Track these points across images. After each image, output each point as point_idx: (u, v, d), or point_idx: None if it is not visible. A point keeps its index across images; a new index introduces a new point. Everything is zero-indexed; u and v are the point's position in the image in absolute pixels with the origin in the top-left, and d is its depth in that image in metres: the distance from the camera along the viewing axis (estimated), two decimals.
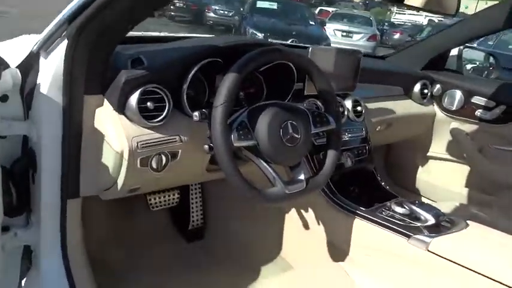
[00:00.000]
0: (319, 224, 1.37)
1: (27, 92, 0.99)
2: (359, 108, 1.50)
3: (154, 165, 1.00)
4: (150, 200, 1.59)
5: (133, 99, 0.94)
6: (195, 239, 1.71)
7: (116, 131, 0.95)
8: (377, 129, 1.69)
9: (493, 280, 0.92)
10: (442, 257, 1.01)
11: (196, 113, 0.95)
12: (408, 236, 1.08)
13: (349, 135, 1.45)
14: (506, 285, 0.90)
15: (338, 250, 1.28)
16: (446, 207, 1.33)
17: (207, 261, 1.60)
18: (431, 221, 1.13)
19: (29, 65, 0.98)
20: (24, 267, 1.14)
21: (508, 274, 0.91)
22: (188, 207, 1.70)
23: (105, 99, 0.98)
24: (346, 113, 1.46)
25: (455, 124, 1.95)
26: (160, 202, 1.61)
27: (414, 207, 1.18)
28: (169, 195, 1.63)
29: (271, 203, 1.07)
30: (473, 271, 0.95)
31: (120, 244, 1.56)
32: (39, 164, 1.00)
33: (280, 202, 1.01)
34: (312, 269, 1.12)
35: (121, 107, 0.96)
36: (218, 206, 1.76)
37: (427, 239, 1.05)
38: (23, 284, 1.14)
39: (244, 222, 1.66)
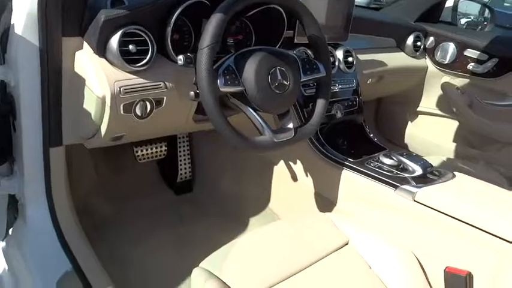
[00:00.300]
0: (307, 175, 1.37)
1: (2, 33, 0.93)
2: (350, 59, 1.47)
3: (138, 112, 0.97)
4: (137, 152, 1.57)
5: (114, 41, 0.90)
6: (184, 191, 1.72)
7: (97, 75, 0.91)
8: (368, 82, 1.66)
9: (478, 229, 0.93)
10: (428, 206, 1.01)
11: (181, 57, 0.90)
12: (395, 187, 1.08)
13: (340, 86, 1.42)
14: (491, 233, 0.91)
15: (326, 201, 1.29)
16: (433, 161, 1.33)
17: (195, 213, 1.61)
18: (418, 172, 1.13)
19: (1, 4, 0.92)
20: (11, 217, 1.13)
21: (492, 223, 0.92)
22: (176, 160, 1.69)
23: (85, 42, 0.93)
24: (337, 63, 1.43)
25: (446, 78, 1.93)
26: (147, 154, 1.59)
27: (402, 159, 1.18)
28: (156, 147, 1.61)
29: (259, 151, 1.05)
30: (459, 220, 0.96)
31: (107, 195, 1.55)
32: (19, 110, 0.96)
33: (268, 150, 1.00)
34: (300, 220, 1.12)
35: (101, 50, 0.91)
36: (207, 159, 1.74)
37: (413, 189, 1.05)
38: (10, 233, 1.14)
39: (233, 174, 1.66)
